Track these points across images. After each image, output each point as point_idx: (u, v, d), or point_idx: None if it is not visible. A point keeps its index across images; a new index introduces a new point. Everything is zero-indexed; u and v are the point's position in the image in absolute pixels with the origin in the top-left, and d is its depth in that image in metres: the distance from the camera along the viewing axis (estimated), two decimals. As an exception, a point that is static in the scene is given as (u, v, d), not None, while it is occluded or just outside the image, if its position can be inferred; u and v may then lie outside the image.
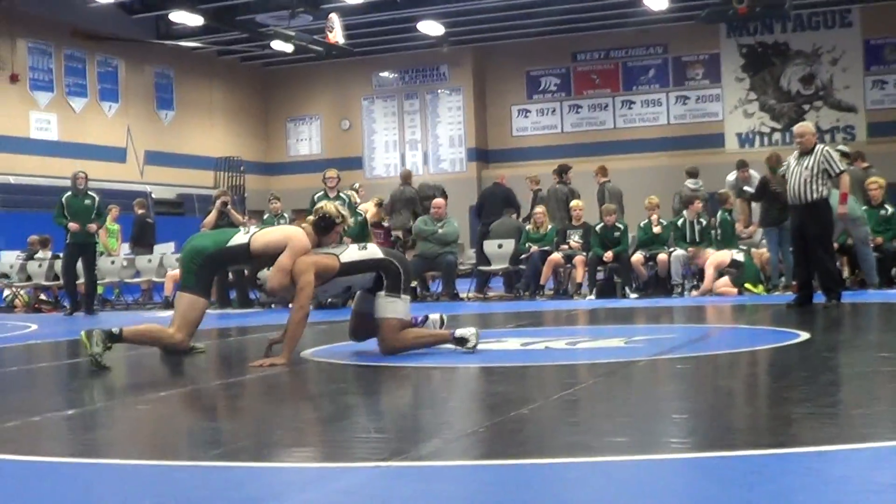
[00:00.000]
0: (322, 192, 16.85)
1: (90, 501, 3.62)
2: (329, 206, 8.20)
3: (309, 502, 3.44)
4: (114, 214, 20.91)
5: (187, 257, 8.00)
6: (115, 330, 7.53)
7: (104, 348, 7.37)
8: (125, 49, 29.84)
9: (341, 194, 17.01)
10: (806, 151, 11.70)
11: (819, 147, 11.73)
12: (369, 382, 6.90)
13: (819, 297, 11.91)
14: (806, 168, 11.55)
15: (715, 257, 15.27)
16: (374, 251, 8.03)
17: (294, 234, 8.02)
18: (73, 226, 16.66)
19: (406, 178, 19.73)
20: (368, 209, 17.53)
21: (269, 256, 7.88)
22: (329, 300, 15.38)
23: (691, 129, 31.43)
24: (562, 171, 18.75)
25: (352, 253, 7.95)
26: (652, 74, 32.19)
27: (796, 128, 12.33)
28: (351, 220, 8.77)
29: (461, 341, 7.80)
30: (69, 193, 16.98)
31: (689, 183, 18.62)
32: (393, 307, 7.81)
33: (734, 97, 31.32)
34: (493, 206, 18.45)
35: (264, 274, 8.07)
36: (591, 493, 3.44)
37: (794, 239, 12.30)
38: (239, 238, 8.01)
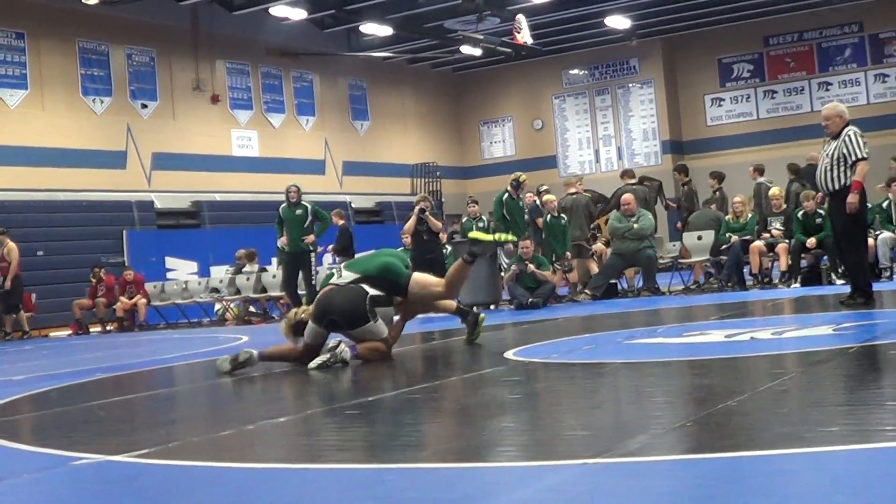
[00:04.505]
0: (506, 194, 16.90)
1: (306, 505, 3.71)
2: None
3: (519, 501, 3.44)
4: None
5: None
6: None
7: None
8: (319, 63, 30.55)
9: (528, 196, 17.03)
10: (833, 136, 10.50)
11: (845, 130, 10.42)
12: (572, 380, 6.89)
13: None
14: (828, 155, 10.45)
15: None
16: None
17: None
18: (281, 241, 17.22)
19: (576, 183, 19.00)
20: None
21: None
22: (529, 301, 15.41)
23: (893, 108, 30.41)
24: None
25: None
26: (848, 54, 31.30)
27: (823, 110, 10.99)
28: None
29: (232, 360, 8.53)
30: (284, 205, 17.52)
31: None
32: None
33: (936, 71, 30.23)
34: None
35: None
36: (807, 484, 3.36)
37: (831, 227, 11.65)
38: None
